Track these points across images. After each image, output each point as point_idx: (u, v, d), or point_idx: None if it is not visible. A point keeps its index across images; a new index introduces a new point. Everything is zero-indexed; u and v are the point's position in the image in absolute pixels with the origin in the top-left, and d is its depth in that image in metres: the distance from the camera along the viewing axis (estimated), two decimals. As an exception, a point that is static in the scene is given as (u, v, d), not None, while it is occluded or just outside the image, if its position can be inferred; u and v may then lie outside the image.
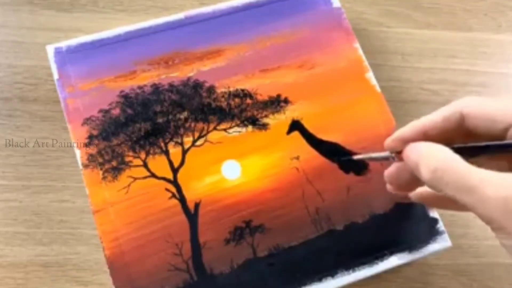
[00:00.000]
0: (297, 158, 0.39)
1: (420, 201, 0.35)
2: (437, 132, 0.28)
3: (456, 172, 0.25)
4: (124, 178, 0.37)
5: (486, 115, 0.26)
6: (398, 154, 0.30)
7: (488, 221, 0.24)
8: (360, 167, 0.39)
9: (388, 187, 0.34)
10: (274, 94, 0.41)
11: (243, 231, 0.36)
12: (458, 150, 0.27)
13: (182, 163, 0.38)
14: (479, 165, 0.28)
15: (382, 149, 0.31)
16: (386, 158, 0.32)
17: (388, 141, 0.31)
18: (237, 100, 0.40)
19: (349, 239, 0.37)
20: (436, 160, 0.26)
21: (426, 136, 0.29)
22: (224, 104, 0.40)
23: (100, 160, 0.37)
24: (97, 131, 0.38)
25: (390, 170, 0.32)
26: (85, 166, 0.37)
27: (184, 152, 0.38)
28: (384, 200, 0.38)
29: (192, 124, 0.39)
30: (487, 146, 0.26)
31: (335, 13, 0.44)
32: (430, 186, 0.27)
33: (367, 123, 0.40)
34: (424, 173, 0.27)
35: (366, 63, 0.42)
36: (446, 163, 0.25)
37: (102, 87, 0.40)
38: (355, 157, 0.37)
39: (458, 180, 0.24)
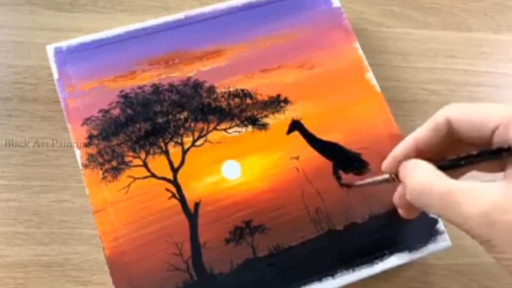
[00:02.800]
0: (297, 158, 0.39)
1: None
2: (429, 146, 0.28)
3: (434, 192, 0.25)
4: (124, 178, 0.37)
5: (470, 120, 0.26)
6: (396, 175, 0.30)
7: (473, 236, 0.24)
8: (359, 167, 0.39)
9: (401, 212, 0.33)
10: (274, 94, 0.41)
11: (243, 231, 0.36)
12: (449, 163, 0.26)
13: (182, 163, 0.38)
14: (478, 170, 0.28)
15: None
16: (386, 180, 0.31)
17: (384, 164, 0.30)
18: (237, 100, 0.40)
19: (349, 239, 0.37)
20: (413, 182, 0.26)
21: (419, 151, 0.28)
22: (224, 104, 0.40)
23: (100, 160, 0.37)
24: (97, 131, 0.38)
25: (396, 194, 0.32)
26: (85, 166, 0.37)
27: (184, 152, 0.38)
28: (384, 200, 0.38)
29: (192, 124, 0.39)
30: (478, 155, 0.25)
31: (335, 13, 0.44)
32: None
33: (367, 123, 0.40)
34: (407, 194, 0.27)
35: (366, 63, 0.42)
36: (423, 184, 0.25)
37: (102, 87, 0.40)
38: (357, 183, 0.37)
39: (439, 200, 0.24)
